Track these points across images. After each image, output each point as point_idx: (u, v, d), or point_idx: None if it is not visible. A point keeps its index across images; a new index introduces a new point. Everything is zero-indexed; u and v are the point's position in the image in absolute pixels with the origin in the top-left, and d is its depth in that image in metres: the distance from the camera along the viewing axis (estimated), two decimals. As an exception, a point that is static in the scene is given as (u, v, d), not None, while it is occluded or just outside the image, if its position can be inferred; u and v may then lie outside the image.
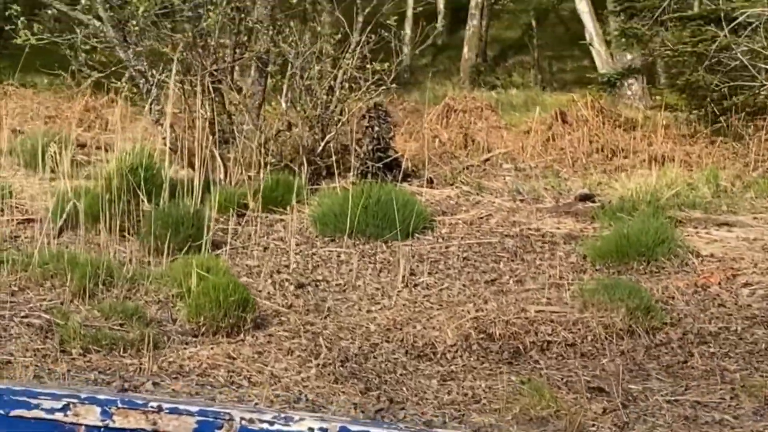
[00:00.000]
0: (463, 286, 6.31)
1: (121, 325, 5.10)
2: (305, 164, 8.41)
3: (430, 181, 9.04)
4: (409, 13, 18.91)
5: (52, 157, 8.11)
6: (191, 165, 7.95)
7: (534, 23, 21.34)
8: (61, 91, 11.88)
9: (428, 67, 19.89)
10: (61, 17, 8.67)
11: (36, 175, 8.54)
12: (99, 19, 8.07)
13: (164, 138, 8.02)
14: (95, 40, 8.12)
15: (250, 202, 7.53)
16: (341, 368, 4.82)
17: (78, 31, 7.95)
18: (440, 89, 16.58)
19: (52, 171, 8.16)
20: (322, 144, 8.69)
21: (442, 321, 5.57)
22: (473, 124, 12.01)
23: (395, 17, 9.30)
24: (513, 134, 11.85)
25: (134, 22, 8.00)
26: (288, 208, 7.66)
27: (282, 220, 7.54)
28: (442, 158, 10.36)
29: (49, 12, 8.82)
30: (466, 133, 11.26)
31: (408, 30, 19.06)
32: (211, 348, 4.92)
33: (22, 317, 5.14)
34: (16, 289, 5.60)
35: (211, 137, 7.80)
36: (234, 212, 7.24)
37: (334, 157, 8.52)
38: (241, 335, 5.15)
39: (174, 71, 7.52)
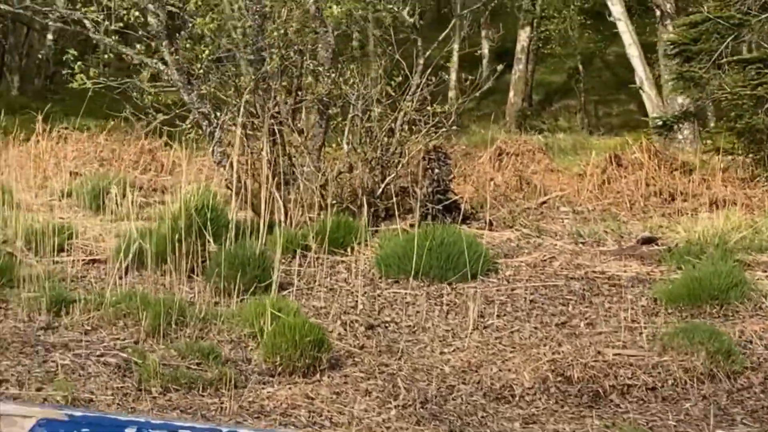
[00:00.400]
0: (534, 328, 6.23)
1: (197, 364, 5.08)
2: (365, 206, 8.40)
3: (490, 224, 8.99)
4: (455, 57, 18.99)
5: (113, 198, 8.19)
6: (253, 206, 7.98)
7: (580, 67, 21.33)
8: (122, 134, 12.00)
9: (474, 111, 19.92)
10: (111, 62, 8.77)
11: (96, 216, 8.61)
12: (163, 62, 8.15)
13: (227, 179, 8.06)
14: (149, 84, 8.20)
15: (312, 243, 7.52)
16: (421, 410, 4.76)
17: (144, 73, 8.03)
18: (487, 133, 16.56)
19: (112, 212, 8.23)
20: (382, 186, 8.69)
21: (517, 363, 5.50)
22: (526, 167, 11.97)
23: (454, 60, 9.33)
24: (567, 177, 11.79)
25: (198, 65, 8.08)
26: (349, 249, 7.65)
27: (343, 261, 7.51)
28: (497, 201, 10.31)
29: (106, 56, 8.92)
30: (520, 176, 11.22)
31: (454, 74, 19.15)
32: (289, 388, 4.88)
33: (98, 356, 5.14)
34: (89, 328, 5.61)
35: (272, 179, 7.82)
36: (298, 253, 7.23)
37: (394, 199, 8.52)
38: (317, 375, 5.12)
39: (240, 114, 7.56)
